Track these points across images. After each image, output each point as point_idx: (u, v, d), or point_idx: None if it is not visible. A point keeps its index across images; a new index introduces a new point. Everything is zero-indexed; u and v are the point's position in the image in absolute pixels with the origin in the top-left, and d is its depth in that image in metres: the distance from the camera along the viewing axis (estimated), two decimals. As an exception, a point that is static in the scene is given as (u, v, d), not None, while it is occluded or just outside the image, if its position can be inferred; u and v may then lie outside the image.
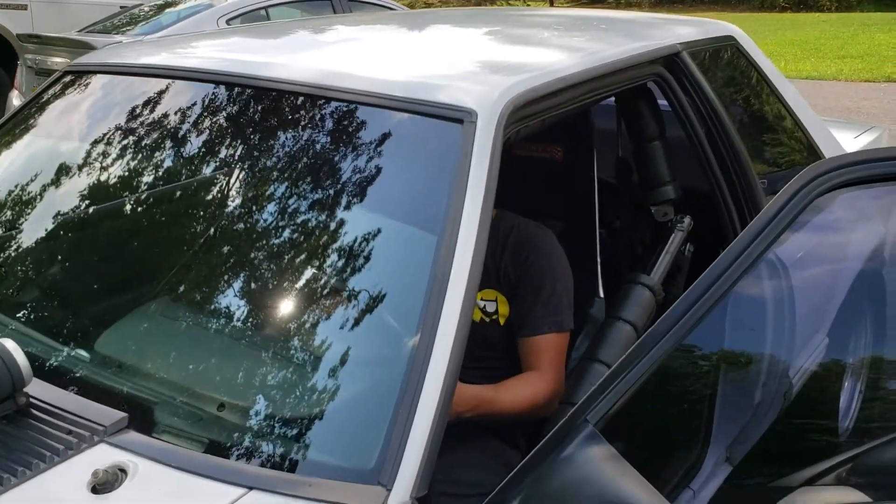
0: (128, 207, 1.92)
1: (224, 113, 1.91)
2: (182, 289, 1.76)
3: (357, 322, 1.55)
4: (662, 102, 2.41)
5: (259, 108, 1.88)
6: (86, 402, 1.47)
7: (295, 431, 1.43)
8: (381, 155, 1.74)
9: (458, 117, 1.69)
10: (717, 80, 2.51)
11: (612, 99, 2.41)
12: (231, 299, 1.67)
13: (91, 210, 1.95)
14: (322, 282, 1.62)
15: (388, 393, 1.41)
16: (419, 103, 1.72)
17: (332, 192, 1.71)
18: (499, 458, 2.09)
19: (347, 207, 1.68)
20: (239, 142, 1.83)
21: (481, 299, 2.10)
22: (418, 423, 1.36)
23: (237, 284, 1.68)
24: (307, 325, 1.58)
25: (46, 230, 1.94)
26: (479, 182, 1.60)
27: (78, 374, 1.58)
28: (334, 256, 1.63)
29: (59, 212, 1.97)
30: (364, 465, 1.35)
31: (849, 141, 3.17)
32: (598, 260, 2.39)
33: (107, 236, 1.97)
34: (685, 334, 1.40)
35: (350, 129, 1.78)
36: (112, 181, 1.92)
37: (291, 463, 1.38)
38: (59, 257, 1.94)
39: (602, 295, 2.38)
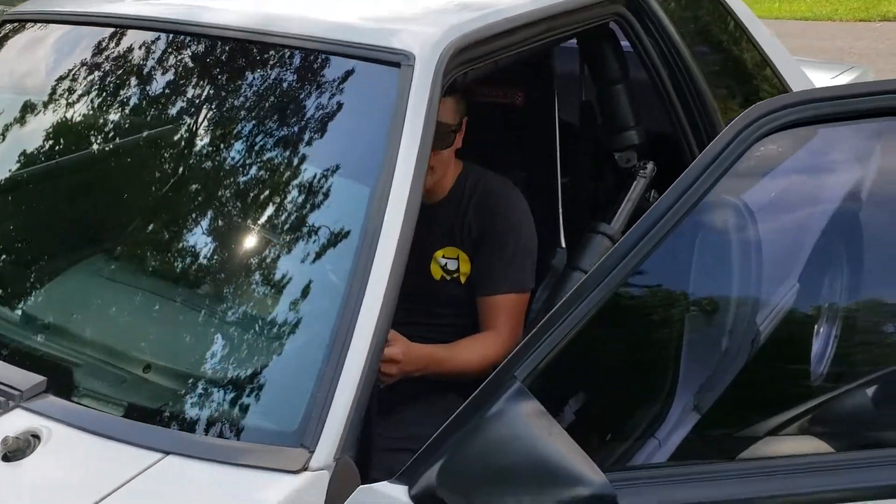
0: (59, 166, 1.84)
1: (158, 61, 1.82)
2: (115, 249, 1.70)
3: (284, 281, 1.50)
4: (626, 44, 2.32)
5: (194, 54, 1.79)
6: (5, 367, 1.42)
7: (218, 394, 1.38)
8: (316, 102, 1.66)
9: (394, 61, 1.60)
10: (681, 20, 2.41)
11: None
12: (161, 258, 1.61)
13: (23, 168, 1.87)
14: (251, 239, 1.56)
15: (314, 353, 1.36)
16: (356, 46, 1.64)
17: (264, 143, 1.64)
18: (452, 413, 2.05)
19: (281, 159, 1.61)
20: (172, 92, 1.74)
21: (443, 257, 2.06)
22: (344, 384, 1.31)
23: (167, 243, 1.62)
24: (233, 285, 1.52)
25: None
26: (414, 129, 1.52)
27: (2, 337, 1.52)
28: (263, 212, 1.57)
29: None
30: (287, 426, 1.30)
31: (826, 82, 3.07)
32: (560, 209, 2.32)
33: (41, 195, 1.90)
34: (621, 282, 1.34)
35: (285, 76, 1.70)
36: (40, 137, 1.84)
37: (213, 426, 1.33)
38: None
39: (564, 245, 2.31)
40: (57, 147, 1.85)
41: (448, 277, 2.07)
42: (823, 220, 2.21)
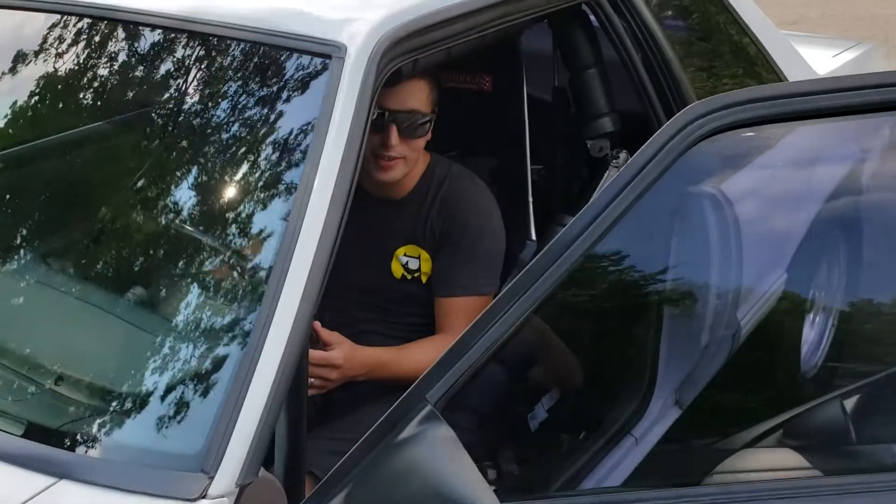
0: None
1: (74, 49, 1.73)
2: (37, 250, 1.62)
3: (198, 294, 1.41)
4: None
5: (111, 41, 1.70)
6: None
7: (121, 414, 1.31)
8: (243, 96, 1.56)
9: (324, 52, 1.50)
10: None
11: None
12: (78, 261, 1.53)
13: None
14: (163, 245, 1.47)
15: (221, 372, 1.28)
16: (283, 35, 1.54)
17: (187, 140, 1.55)
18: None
19: (199, 157, 1.52)
20: (87, 83, 1.65)
21: (404, 255, 1.98)
22: (249, 405, 1.23)
23: (84, 245, 1.54)
24: (146, 296, 1.44)
25: None
26: (342, 126, 1.42)
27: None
28: (176, 216, 1.47)
29: None
30: (188, 450, 1.22)
31: (826, 60, 2.92)
32: (531, 199, 2.21)
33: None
34: (539, 301, 1.24)
35: (211, 67, 1.61)
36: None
37: (113, 449, 1.26)
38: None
39: (534, 238, 2.21)
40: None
41: (409, 276, 1.99)
42: (813, 208, 2.10)
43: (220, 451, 1.19)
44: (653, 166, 1.25)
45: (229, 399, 1.23)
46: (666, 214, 1.68)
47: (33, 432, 1.28)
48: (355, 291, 2.05)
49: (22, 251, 1.64)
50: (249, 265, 1.41)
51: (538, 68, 2.48)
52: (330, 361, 1.70)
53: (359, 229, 2.03)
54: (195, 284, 1.47)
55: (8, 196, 1.70)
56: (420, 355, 1.86)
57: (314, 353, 1.68)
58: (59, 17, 1.72)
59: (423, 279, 1.98)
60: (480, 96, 2.31)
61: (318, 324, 1.68)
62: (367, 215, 2.02)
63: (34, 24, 1.74)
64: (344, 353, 1.73)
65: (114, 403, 1.32)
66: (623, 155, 2.19)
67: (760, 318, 1.98)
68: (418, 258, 1.98)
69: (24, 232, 1.67)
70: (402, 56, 1.60)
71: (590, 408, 1.94)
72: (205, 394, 1.29)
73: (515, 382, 1.91)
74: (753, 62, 2.48)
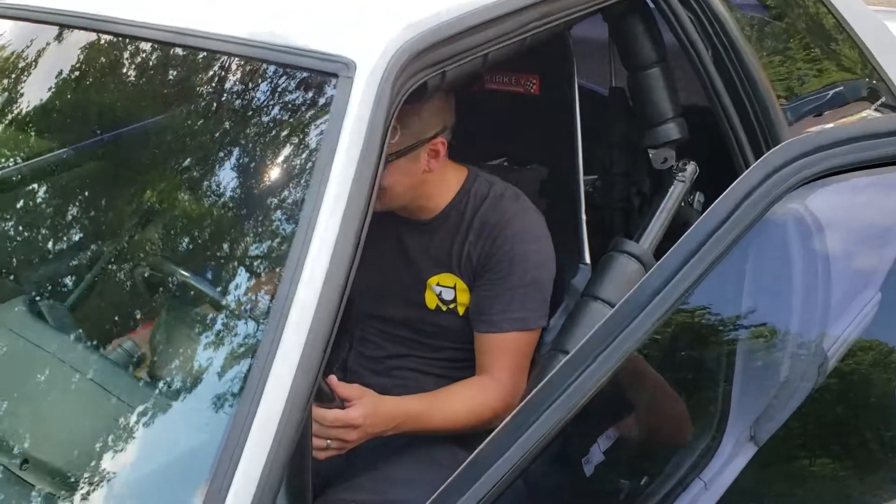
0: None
1: (76, 62, 1.55)
2: (24, 291, 1.45)
3: (190, 348, 1.22)
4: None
5: (109, 55, 1.50)
6: None
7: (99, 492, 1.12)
8: (243, 119, 1.36)
9: (331, 70, 1.27)
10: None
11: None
12: (57, 308, 1.36)
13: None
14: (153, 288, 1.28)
15: (211, 438, 1.08)
16: (288, 51, 1.31)
17: (177, 165, 1.35)
18: (448, 468, 1.76)
19: (195, 187, 1.32)
20: (83, 98, 1.47)
21: (437, 284, 1.76)
22: (240, 479, 1.03)
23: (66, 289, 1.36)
24: (129, 349, 1.26)
25: None
26: (351, 153, 1.20)
27: None
28: (170, 245, 1.28)
29: None
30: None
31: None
32: (584, 217, 1.96)
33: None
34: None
35: (211, 83, 1.40)
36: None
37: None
38: None
39: (588, 260, 1.95)
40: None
41: (444, 308, 1.77)
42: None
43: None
44: (734, 221, 1.02)
45: (220, 466, 1.04)
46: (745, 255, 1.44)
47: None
48: (387, 323, 1.84)
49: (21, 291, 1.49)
50: (245, 309, 1.21)
51: (594, 62, 2.22)
52: (348, 422, 1.48)
53: (389, 256, 1.82)
54: (186, 329, 1.29)
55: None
56: (459, 403, 1.66)
57: (329, 414, 1.47)
58: (42, 27, 1.53)
59: (461, 311, 1.76)
60: (527, 99, 2.06)
61: (333, 378, 1.47)
62: (397, 241, 1.80)
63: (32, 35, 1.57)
64: (364, 411, 1.50)
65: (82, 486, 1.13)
66: (691, 167, 1.91)
67: (850, 345, 1.73)
68: (454, 288, 1.76)
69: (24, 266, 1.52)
70: (425, 70, 1.36)
71: (653, 449, 1.72)
72: (196, 460, 1.10)
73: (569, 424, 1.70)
74: (832, 40, 2.16)
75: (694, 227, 1.12)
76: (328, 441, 1.48)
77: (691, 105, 2.03)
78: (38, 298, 1.46)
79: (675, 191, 1.89)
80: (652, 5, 1.87)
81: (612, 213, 2.09)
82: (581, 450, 1.66)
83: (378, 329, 1.86)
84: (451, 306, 1.76)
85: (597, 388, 1.19)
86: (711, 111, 1.90)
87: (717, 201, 1.09)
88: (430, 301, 1.78)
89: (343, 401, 1.49)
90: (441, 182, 1.75)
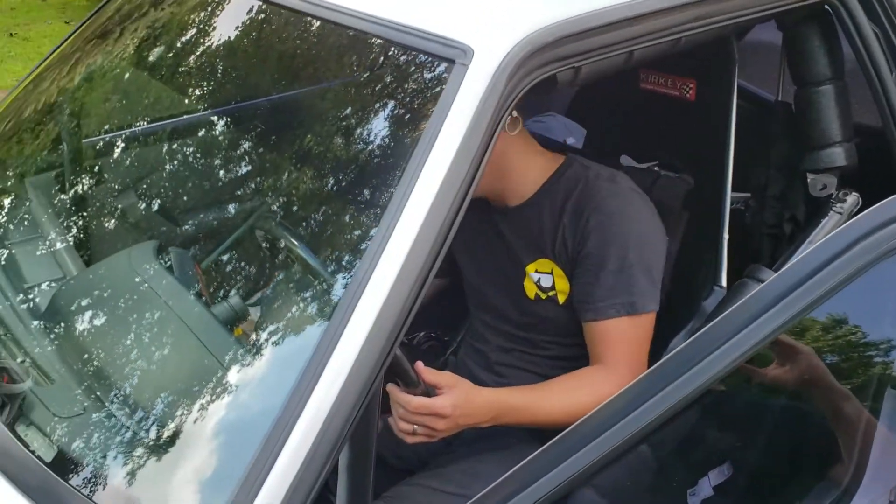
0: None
1: (208, 31, 1.59)
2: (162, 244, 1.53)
3: (282, 310, 1.23)
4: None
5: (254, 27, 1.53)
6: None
7: (147, 463, 1.16)
8: (357, 99, 1.35)
9: (448, 56, 1.24)
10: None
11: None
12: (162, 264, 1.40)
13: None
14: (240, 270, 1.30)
15: (263, 413, 1.10)
16: (408, 31, 1.29)
17: (281, 135, 1.36)
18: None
19: (296, 161, 1.33)
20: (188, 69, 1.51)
21: (535, 271, 1.68)
22: (277, 476, 1.03)
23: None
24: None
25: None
26: (450, 146, 1.17)
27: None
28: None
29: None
30: None
31: None
32: (725, 235, 1.81)
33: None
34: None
35: (325, 56, 1.39)
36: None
37: (129, 501, 1.11)
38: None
39: (724, 283, 1.81)
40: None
41: (543, 296, 1.68)
42: None
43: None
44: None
45: (259, 459, 1.04)
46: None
47: (59, 463, 1.16)
48: (490, 313, 1.80)
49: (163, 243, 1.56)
50: (323, 283, 1.21)
51: (761, 70, 2.06)
52: (434, 410, 1.42)
53: (489, 245, 1.76)
54: (282, 291, 1.30)
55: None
56: (565, 395, 1.55)
57: (414, 400, 1.45)
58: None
59: (561, 299, 1.66)
60: (682, 104, 1.93)
61: (420, 364, 1.43)
62: (493, 228, 1.74)
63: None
64: (453, 401, 1.43)
65: (145, 445, 1.18)
66: (851, 198, 1.73)
67: None
68: (551, 273, 1.67)
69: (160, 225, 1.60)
70: (551, 64, 1.30)
71: (772, 492, 1.58)
72: (237, 449, 1.12)
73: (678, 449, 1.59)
74: None
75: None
76: (414, 427, 1.46)
77: (860, 126, 1.83)
78: (166, 245, 1.53)
79: (829, 222, 1.71)
80: (833, 16, 1.69)
81: (761, 237, 1.93)
82: (687, 479, 1.55)
83: (484, 321, 1.82)
84: (551, 294, 1.67)
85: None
86: (885, 137, 1.70)
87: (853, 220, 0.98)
88: (530, 290, 1.70)
89: (432, 388, 1.46)
90: (527, 166, 1.66)
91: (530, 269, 1.69)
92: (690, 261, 1.96)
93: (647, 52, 1.47)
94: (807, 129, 1.78)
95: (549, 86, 1.38)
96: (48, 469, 1.14)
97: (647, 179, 2.03)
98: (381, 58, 1.34)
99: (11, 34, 6.69)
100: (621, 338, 1.59)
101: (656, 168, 2.11)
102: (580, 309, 1.63)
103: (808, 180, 1.77)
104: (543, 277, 1.67)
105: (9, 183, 1.77)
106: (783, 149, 1.89)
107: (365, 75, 1.34)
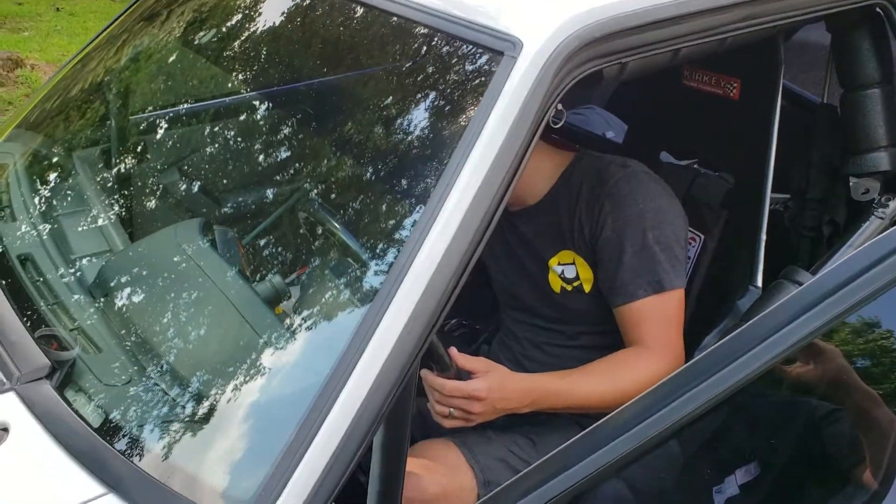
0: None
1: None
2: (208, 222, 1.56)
3: (322, 293, 1.26)
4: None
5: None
6: (22, 340, 1.33)
7: (189, 433, 1.19)
8: (404, 88, 1.36)
9: (497, 47, 1.25)
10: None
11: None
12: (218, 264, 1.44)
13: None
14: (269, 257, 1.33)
15: (299, 400, 1.12)
16: (459, 22, 1.31)
17: (324, 121, 1.38)
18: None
19: (338, 146, 1.35)
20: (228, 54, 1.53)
21: (558, 264, 1.69)
22: (314, 453, 1.06)
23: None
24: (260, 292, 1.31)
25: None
26: (494, 139, 1.18)
27: (46, 305, 1.44)
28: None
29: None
30: (242, 494, 1.08)
31: None
32: (763, 235, 1.81)
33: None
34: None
35: (372, 44, 1.41)
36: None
37: (168, 470, 1.14)
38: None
39: (760, 283, 1.81)
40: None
41: (569, 287, 1.69)
42: None
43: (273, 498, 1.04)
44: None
45: (297, 438, 1.07)
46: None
47: (106, 428, 1.20)
48: (521, 312, 1.82)
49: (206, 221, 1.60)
50: (363, 267, 1.23)
51: (807, 71, 2.05)
52: (468, 393, 1.44)
53: (513, 246, 1.78)
54: (322, 273, 1.33)
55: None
56: (606, 378, 1.55)
57: (448, 384, 1.47)
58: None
59: (586, 287, 1.67)
60: (726, 103, 1.93)
61: (454, 350, 1.45)
62: (515, 231, 1.76)
63: None
64: (488, 385, 1.45)
65: (189, 423, 1.21)
66: (894, 203, 1.72)
67: None
68: (573, 264, 1.67)
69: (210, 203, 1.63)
70: (599, 58, 1.31)
71: (800, 495, 1.58)
72: (276, 425, 1.15)
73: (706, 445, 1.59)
74: None
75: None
76: (451, 410, 1.47)
77: None
78: (211, 223, 1.56)
79: (870, 227, 1.70)
80: (884, 18, 1.68)
81: (799, 239, 1.92)
82: (713, 477, 1.56)
83: (514, 318, 1.84)
84: (576, 284, 1.68)
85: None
86: None
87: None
88: (555, 284, 1.71)
89: (467, 373, 1.48)
90: (542, 164, 1.67)
91: (553, 262, 1.70)
92: (727, 259, 1.96)
93: (693, 50, 1.48)
94: (852, 133, 1.77)
95: (595, 80, 1.39)
96: (95, 433, 1.18)
97: (686, 177, 2.04)
98: (429, 47, 1.36)
99: (58, 8, 6.78)
100: (652, 317, 1.59)
101: (696, 166, 2.12)
102: (609, 295, 1.64)
103: (851, 184, 1.76)
104: (567, 269, 1.68)
105: (59, 156, 1.81)
106: (825, 151, 1.88)
107: (412, 64, 1.36)
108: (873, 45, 1.72)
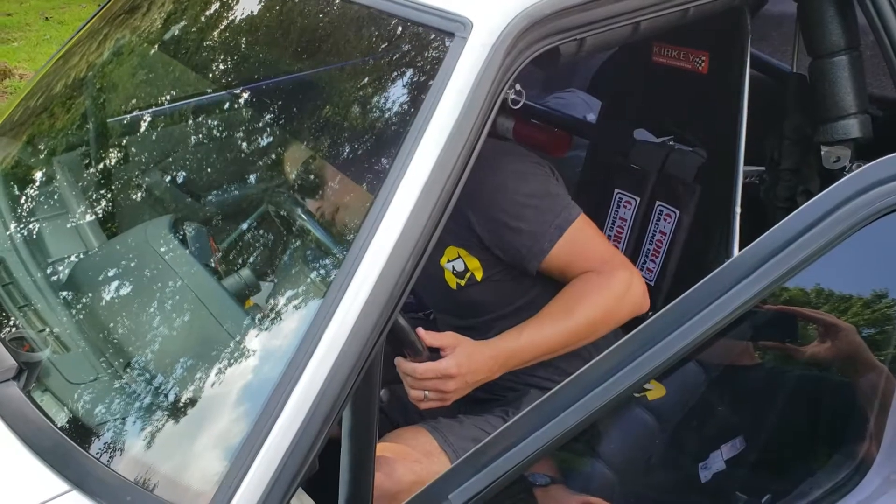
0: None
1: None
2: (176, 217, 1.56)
3: (288, 284, 1.26)
4: None
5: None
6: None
7: (155, 431, 1.19)
8: (356, 73, 1.36)
9: (448, 28, 1.25)
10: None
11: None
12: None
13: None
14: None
15: (257, 393, 1.12)
16: (409, 5, 1.30)
17: (277, 109, 1.38)
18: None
19: (291, 134, 1.34)
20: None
21: (448, 261, 1.68)
22: (273, 442, 1.06)
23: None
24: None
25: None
26: (446, 121, 1.18)
27: (16, 307, 1.44)
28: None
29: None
30: (202, 488, 1.08)
31: None
32: (738, 209, 1.81)
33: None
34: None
35: (321, 31, 1.41)
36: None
37: (136, 470, 1.14)
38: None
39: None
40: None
41: (463, 282, 1.68)
42: None
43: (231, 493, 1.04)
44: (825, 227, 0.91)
45: (257, 426, 1.07)
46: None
47: (70, 426, 1.21)
48: (441, 315, 1.86)
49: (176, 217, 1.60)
50: (323, 255, 1.23)
51: (789, 41, 2.03)
52: (440, 372, 1.44)
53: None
54: (290, 265, 1.33)
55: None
56: (566, 315, 1.52)
57: (420, 367, 1.47)
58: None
59: (478, 276, 1.66)
60: (695, 77, 1.92)
61: (421, 330, 1.45)
62: None
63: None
64: (457, 360, 1.45)
65: (150, 412, 1.21)
66: (864, 170, 1.71)
67: None
68: (459, 258, 1.66)
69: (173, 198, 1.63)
70: (553, 36, 1.30)
71: (782, 468, 1.58)
72: (237, 416, 1.15)
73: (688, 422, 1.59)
74: None
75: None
76: (426, 392, 1.47)
77: (874, 97, 1.80)
78: (181, 220, 1.56)
79: (842, 194, 1.69)
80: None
81: (775, 211, 1.91)
82: (698, 454, 1.55)
83: (442, 322, 1.86)
84: (468, 276, 1.67)
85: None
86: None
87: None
88: (451, 281, 1.70)
89: (437, 351, 1.47)
90: None
91: (443, 262, 1.69)
92: (703, 234, 1.96)
93: (654, 23, 1.47)
94: (821, 101, 1.76)
95: (553, 58, 1.38)
96: (59, 432, 1.18)
97: (661, 153, 2.04)
98: (380, 31, 1.35)
99: (47, 18, 6.80)
100: (574, 250, 1.57)
101: (671, 142, 2.11)
102: (525, 265, 1.60)
103: (822, 153, 1.75)
104: (455, 263, 1.67)
105: (31, 158, 1.82)
106: (797, 121, 1.87)
107: (363, 48, 1.36)
108: (838, 11, 1.71)
